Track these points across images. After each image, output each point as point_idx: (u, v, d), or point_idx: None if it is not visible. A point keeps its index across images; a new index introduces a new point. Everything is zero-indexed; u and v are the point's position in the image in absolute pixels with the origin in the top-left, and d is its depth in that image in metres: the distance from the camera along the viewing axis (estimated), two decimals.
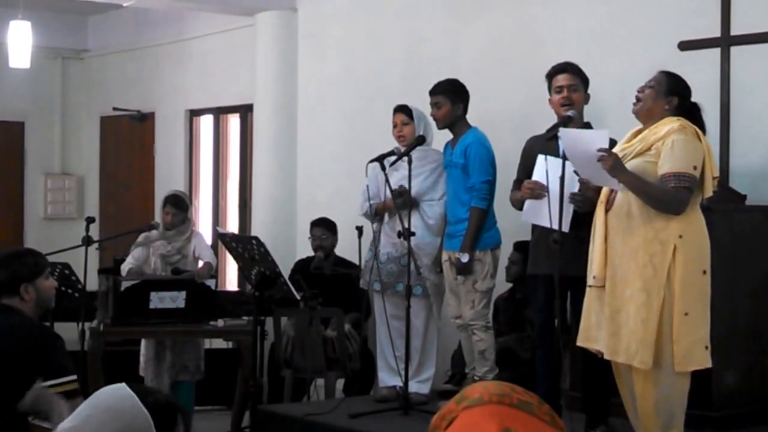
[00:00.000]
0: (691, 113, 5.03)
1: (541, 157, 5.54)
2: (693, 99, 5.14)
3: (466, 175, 6.26)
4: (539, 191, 5.49)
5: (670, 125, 4.91)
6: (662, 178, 4.85)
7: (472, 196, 6.22)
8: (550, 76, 5.79)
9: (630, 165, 4.90)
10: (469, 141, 6.30)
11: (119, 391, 2.31)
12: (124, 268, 7.30)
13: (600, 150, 4.83)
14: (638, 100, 5.06)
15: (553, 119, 5.70)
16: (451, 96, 6.38)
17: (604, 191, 5.06)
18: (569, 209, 5.30)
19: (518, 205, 5.76)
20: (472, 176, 6.23)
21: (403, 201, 6.28)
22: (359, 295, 7.09)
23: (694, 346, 4.83)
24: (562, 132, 5.19)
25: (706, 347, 4.87)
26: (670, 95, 5.02)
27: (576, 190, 5.30)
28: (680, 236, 4.81)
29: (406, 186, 6.17)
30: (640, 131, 5.08)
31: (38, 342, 4.03)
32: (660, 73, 5.10)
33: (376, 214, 6.57)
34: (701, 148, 4.91)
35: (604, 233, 4.98)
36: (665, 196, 4.84)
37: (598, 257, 4.99)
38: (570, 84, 5.71)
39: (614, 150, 5.01)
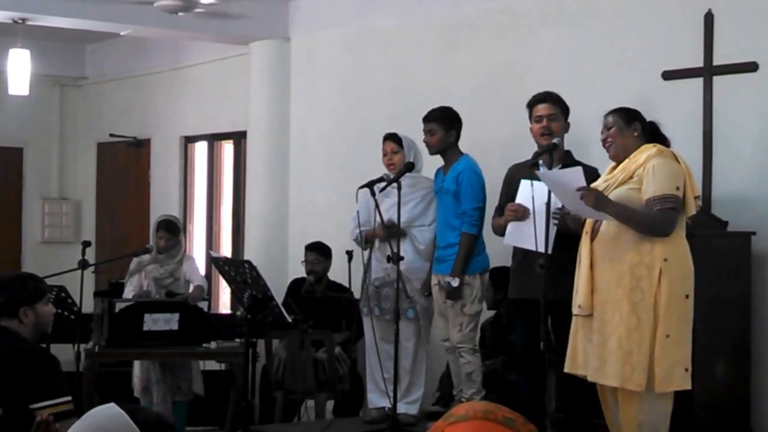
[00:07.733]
0: (653, 133, 5.14)
1: (525, 182, 5.58)
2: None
3: (457, 201, 6.31)
4: (523, 213, 5.56)
5: (647, 152, 4.99)
6: (647, 203, 4.91)
7: (463, 222, 6.26)
8: (531, 105, 5.85)
9: (614, 194, 4.96)
10: (462, 168, 6.35)
11: (110, 410, 2.34)
12: (126, 296, 7.34)
13: (579, 189, 4.89)
14: (609, 143, 5.12)
15: None
16: (445, 123, 6.44)
17: (589, 220, 5.11)
18: (552, 231, 5.33)
19: (500, 231, 5.81)
20: (464, 202, 6.28)
21: (392, 233, 6.32)
22: (350, 318, 7.16)
23: (673, 368, 4.88)
24: (542, 175, 5.23)
25: (686, 369, 4.92)
26: (632, 122, 5.12)
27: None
28: (665, 259, 4.87)
29: (396, 212, 6.21)
30: (618, 164, 5.15)
31: (34, 363, 3.99)
32: (608, 114, 5.18)
33: (366, 240, 6.61)
34: (681, 169, 4.98)
35: (590, 262, 5.03)
36: (651, 220, 4.90)
37: (583, 286, 5.03)
38: (549, 113, 5.77)
39: (597, 182, 5.09)
